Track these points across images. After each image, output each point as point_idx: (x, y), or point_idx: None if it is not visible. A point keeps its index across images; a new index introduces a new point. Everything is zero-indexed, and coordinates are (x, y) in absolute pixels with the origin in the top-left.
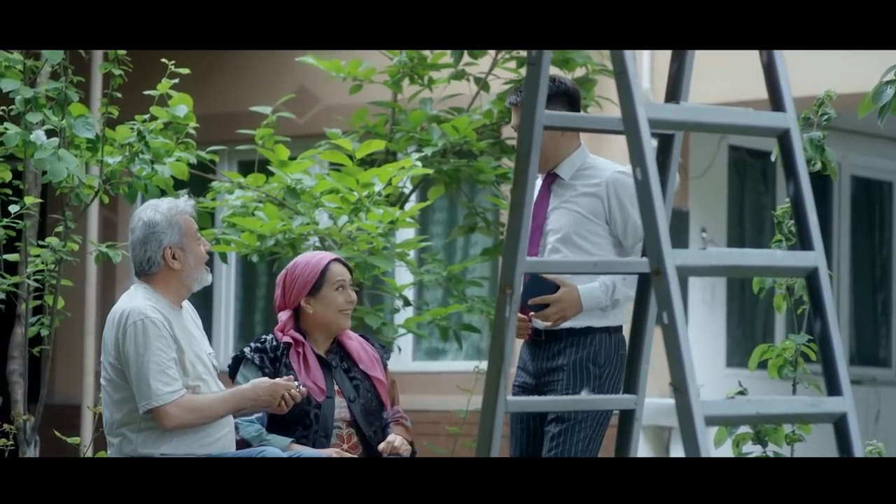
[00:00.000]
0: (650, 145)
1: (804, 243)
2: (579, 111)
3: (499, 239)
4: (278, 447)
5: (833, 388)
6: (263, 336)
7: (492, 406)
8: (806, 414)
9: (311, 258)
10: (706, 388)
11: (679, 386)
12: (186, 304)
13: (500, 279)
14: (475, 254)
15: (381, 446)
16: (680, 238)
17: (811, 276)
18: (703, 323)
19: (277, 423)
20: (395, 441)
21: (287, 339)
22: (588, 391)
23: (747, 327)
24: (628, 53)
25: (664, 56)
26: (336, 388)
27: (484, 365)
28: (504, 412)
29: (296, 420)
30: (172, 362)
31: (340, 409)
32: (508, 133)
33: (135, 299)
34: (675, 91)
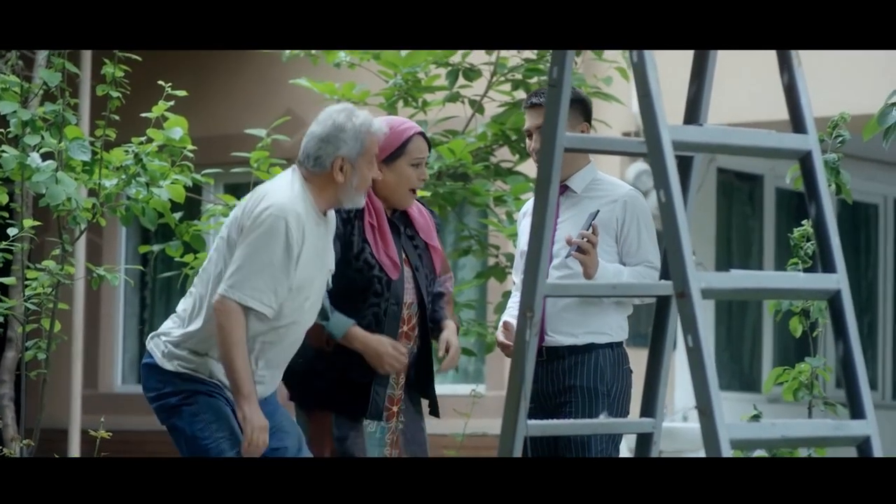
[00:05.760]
0: (674, 168)
1: (826, 266)
2: (591, 120)
3: (490, 262)
4: (342, 328)
5: (856, 412)
6: None
7: (511, 429)
8: (829, 437)
9: (399, 124)
10: (694, 411)
11: (704, 409)
12: (331, 213)
13: (521, 302)
14: (463, 276)
15: (441, 344)
16: None
17: (834, 299)
18: None
19: (346, 292)
20: (451, 349)
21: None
22: (606, 415)
23: (734, 350)
24: (652, 76)
25: (665, 75)
26: (404, 255)
27: (480, 388)
28: (524, 435)
29: (366, 286)
30: (282, 285)
31: (406, 281)
32: (501, 156)
33: (288, 192)
34: (694, 113)
